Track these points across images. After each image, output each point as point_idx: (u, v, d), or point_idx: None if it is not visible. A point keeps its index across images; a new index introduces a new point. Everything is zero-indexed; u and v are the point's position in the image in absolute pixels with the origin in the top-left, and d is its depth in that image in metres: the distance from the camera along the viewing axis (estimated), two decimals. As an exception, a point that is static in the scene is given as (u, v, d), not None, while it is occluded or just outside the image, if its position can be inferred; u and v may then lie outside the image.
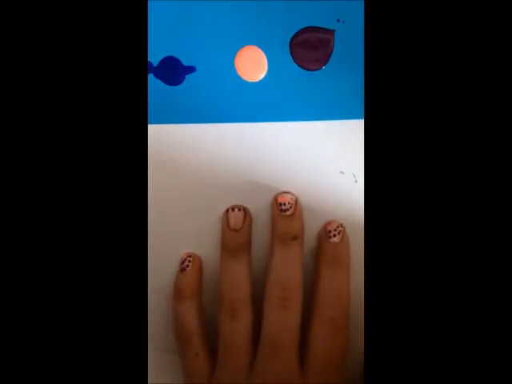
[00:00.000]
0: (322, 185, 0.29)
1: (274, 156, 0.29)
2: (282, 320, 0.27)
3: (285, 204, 0.28)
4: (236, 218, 0.29)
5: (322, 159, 0.29)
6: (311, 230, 0.29)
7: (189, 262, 0.29)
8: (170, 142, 0.29)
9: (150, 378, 0.29)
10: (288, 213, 0.28)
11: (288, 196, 0.28)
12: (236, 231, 0.28)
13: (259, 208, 0.29)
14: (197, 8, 0.29)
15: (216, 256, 0.29)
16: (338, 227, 0.28)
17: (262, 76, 0.29)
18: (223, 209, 0.29)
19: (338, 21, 0.29)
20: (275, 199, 0.29)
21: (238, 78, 0.29)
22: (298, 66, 0.29)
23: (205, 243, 0.30)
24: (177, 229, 0.30)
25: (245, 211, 0.29)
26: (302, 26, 0.29)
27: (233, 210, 0.29)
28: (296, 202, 0.28)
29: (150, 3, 0.28)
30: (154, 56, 0.29)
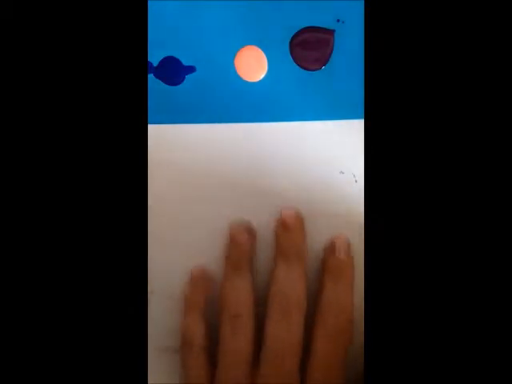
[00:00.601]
0: (322, 185, 0.29)
1: (274, 156, 0.29)
2: (285, 333, 0.27)
3: (288, 221, 0.28)
4: (240, 234, 0.28)
5: (322, 159, 0.29)
6: (311, 230, 0.29)
7: (197, 274, 0.29)
8: (170, 142, 0.29)
9: (150, 378, 0.29)
10: (291, 231, 0.28)
11: (291, 213, 0.28)
12: (240, 246, 0.28)
13: (259, 207, 0.29)
14: (197, 8, 0.29)
15: (215, 255, 0.29)
16: (343, 243, 0.28)
17: (261, 76, 0.29)
18: (223, 209, 0.29)
19: (338, 21, 0.29)
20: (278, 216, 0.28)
21: (238, 78, 0.29)
22: (298, 66, 0.29)
23: (205, 243, 0.30)
24: (177, 228, 0.30)
25: (249, 228, 0.29)
26: (302, 26, 0.29)
27: (237, 226, 0.29)
28: (299, 218, 0.28)
29: (149, 3, 0.28)
30: (154, 56, 0.29)
